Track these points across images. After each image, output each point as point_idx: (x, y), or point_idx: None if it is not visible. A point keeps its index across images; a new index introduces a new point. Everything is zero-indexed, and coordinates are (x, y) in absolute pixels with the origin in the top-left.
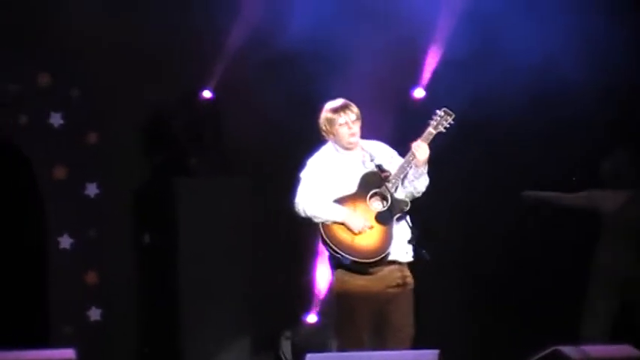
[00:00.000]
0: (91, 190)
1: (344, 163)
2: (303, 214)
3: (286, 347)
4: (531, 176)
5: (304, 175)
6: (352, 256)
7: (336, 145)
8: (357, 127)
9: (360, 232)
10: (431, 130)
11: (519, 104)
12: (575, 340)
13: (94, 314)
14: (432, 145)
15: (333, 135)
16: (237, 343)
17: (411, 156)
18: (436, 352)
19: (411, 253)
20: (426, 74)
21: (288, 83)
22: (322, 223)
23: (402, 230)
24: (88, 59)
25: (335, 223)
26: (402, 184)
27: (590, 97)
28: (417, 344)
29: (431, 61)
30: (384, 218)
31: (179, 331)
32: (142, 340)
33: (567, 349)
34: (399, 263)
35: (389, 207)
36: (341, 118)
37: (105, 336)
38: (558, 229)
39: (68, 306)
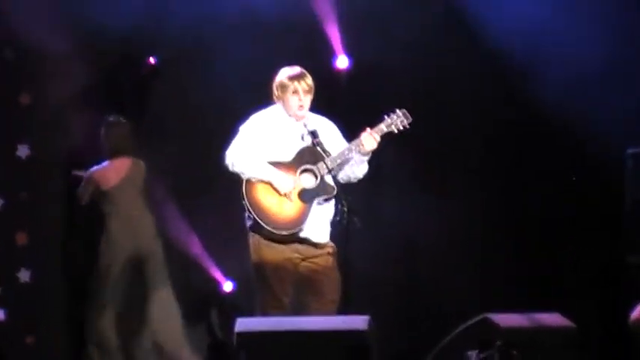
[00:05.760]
0: (23, 151)
1: (287, 129)
2: (230, 168)
3: (214, 315)
4: None
5: (243, 129)
6: (266, 224)
7: (283, 111)
8: (307, 100)
9: (285, 195)
10: (382, 127)
11: None
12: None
13: (24, 276)
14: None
15: (283, 101)
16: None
17: (358, 144)
18: (366, 317)
19: (325, 235)
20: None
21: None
22: (246, 182)
23: (320, 212)
24: (21, 19)
25: (261, 182)
26: (342, 167)
27: None
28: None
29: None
30: (307, 197)
31: None
32: (71, 303)
33: (496, 317)
34: (310, 242)
35: (316, 187)
36: (293, 87)
37: (34, 298)
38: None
39: None
